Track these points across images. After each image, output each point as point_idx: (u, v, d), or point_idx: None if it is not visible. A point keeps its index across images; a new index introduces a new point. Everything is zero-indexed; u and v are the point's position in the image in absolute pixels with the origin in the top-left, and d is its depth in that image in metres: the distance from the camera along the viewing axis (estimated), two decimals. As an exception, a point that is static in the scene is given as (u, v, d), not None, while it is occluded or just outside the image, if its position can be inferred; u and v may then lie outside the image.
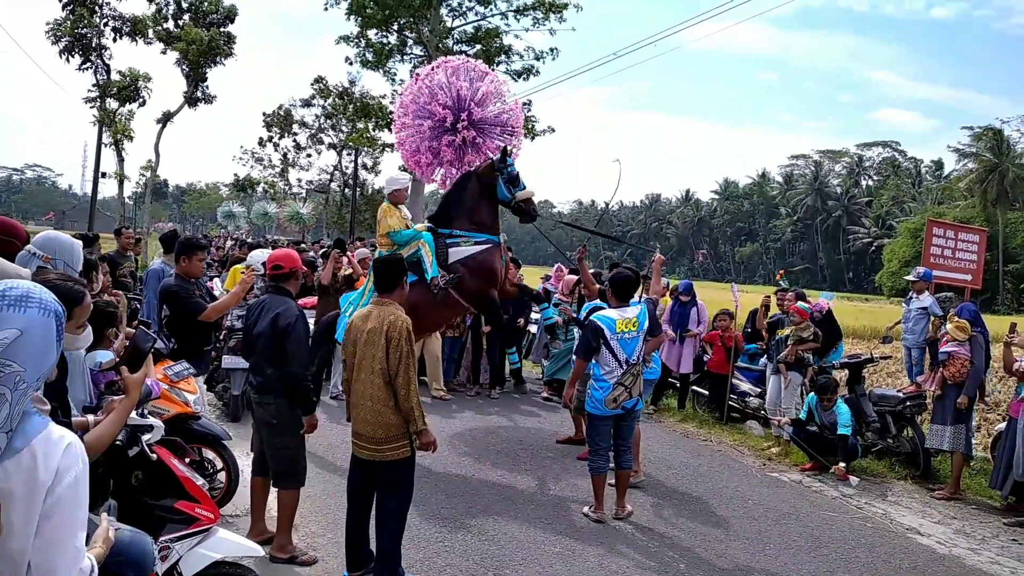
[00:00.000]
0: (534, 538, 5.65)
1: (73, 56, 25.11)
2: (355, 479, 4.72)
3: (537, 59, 25.68)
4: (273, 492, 5.15)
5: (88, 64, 25.50)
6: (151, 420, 3.40)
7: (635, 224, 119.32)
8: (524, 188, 7.72)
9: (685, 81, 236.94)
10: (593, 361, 6.11)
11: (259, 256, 9.01)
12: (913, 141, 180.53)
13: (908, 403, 8.30)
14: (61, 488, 1.73)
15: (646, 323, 6.16)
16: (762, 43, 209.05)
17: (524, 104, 25.20)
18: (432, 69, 8.52)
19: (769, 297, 10.11)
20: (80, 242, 3.72)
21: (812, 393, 8.34)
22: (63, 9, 25.32)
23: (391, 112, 27.08)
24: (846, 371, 9.30)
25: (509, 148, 7.88)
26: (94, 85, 25.94)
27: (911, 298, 10.39)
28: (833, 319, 9.80)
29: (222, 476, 5.54)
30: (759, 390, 9.99)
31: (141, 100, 25.91)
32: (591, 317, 6.30)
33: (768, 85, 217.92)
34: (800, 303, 9.39)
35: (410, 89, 8.64)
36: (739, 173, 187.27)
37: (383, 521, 4.56)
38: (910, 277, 10.55)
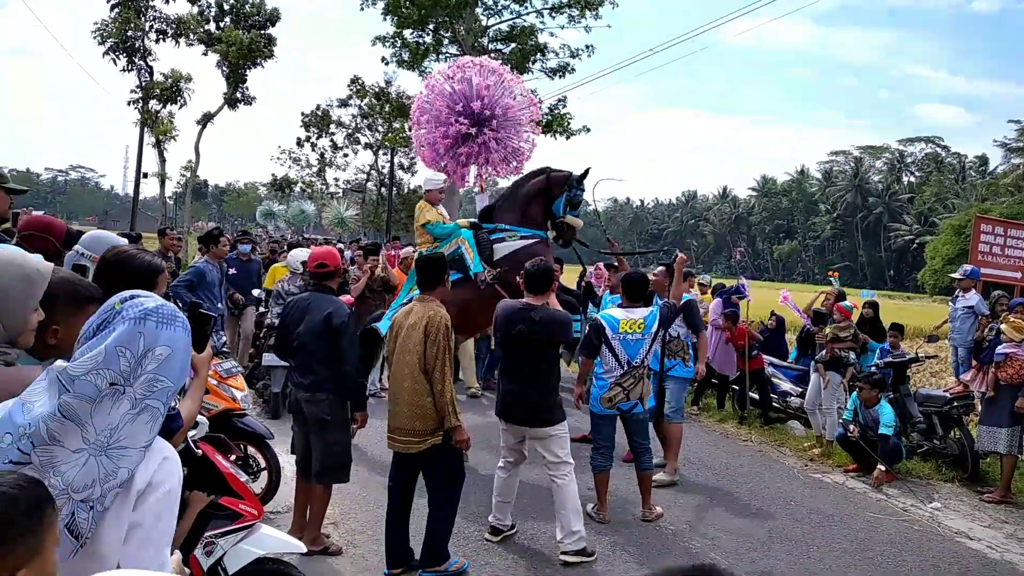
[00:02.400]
0: (574, 537, 5.61)
1: (118, 57, 25.55)
2: (394, 475, 4.89)
3: (572, 57, 25.59)
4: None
5: (132, 66, 25.93)
6: (196, 417, 3.42)
7: (671, 222, 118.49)
8: (577, 215, 7.72)
9: (722, 78, 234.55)
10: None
11: (298, 255, 9.08)
12: (955, 137, 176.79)
13: (955, 403, 8.11)
14: (153, 499, 1.77)
15: (654, 326, 5.96)
16: (799, 39, 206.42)
17: (559, 101, 25.19)
18: (439, 72, 8.57)
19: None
20: (126, 241, 3.76)
21: (855, 392, 8.18)
22: (111, 10, 25.79)
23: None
24: (890, 371, 9.11)
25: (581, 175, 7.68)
26: (137, 86, 26.38)
27: (957, 296, 10.17)
28: (878, 321, 9.67)
29: (264, 475, 5.59)
30: (800, 390, 9.84)
31: (182, 101, 26.29)
32: (595, 315, 6.49)
33: (805, 81, 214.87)
34: (844, 303, 9.25)
35: (426, 86, 8.69)
36: (777, 170, 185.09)
37: (432, 513, 4.80)
38: (956, 275, 10.33)
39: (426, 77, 8.91)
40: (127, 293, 1.83)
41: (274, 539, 3.47)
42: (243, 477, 3.45)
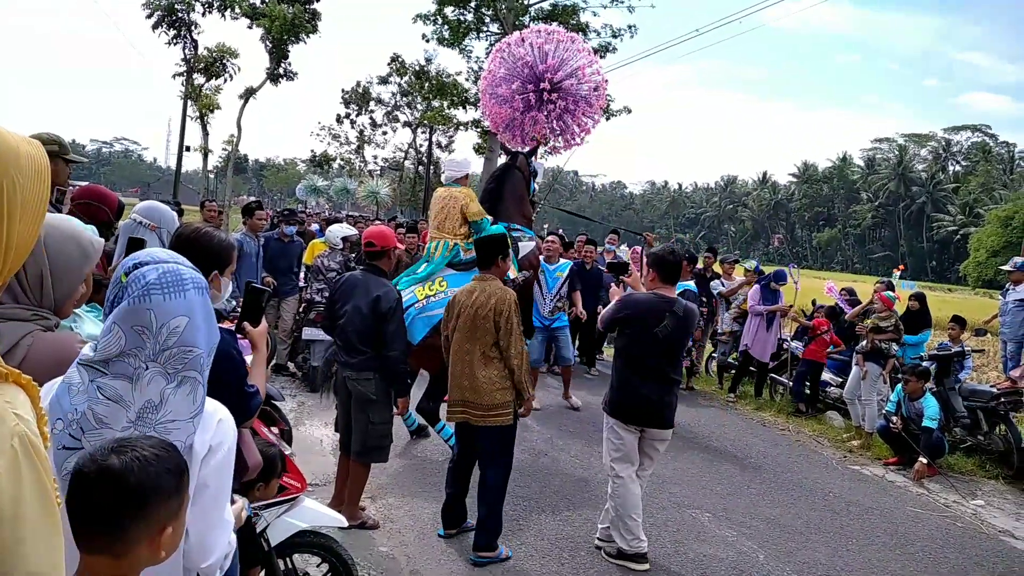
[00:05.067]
0: (609, 521, 5.59)
1: (165, 31, 25.73)
2: (458, 441, 5.02)
3: (614, 36, 25.32)
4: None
5: (178, 39, 26.11)
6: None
7: (709, 206, 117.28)
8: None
9: (764, 61, 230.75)
10: None
11: (338, 231, 9.11)
12: (1004, 126, 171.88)
13: (1003, 399, 7.92)
14: (215, 460, 1.79)
15: None
16: (843, 23, 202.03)
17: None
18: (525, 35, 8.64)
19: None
20: (176, 213, 3.80)
21: (899, 385, 8.04)
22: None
23: (466, 90, 27.14)
24: (935, 364, 8.92)
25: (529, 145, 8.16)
26: (182, 60, 26.58)
27: (1008, 289, 9.93)
28: (927, 308, 9.54)
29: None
30: (840, 380, 9.69)
31: (227, 76, 26.43)
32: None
33: (849, 66, 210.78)
34: (887, 292, 9.07)
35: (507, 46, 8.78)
36: (819, 156, 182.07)
37: (483, 491, 4.80)
38: (1007, 267, 10.08)
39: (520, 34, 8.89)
40: (130, 261, 1.77)
41: (317, 512, 3.49)
42: (287, 450, 3.47)
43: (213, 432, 1.82)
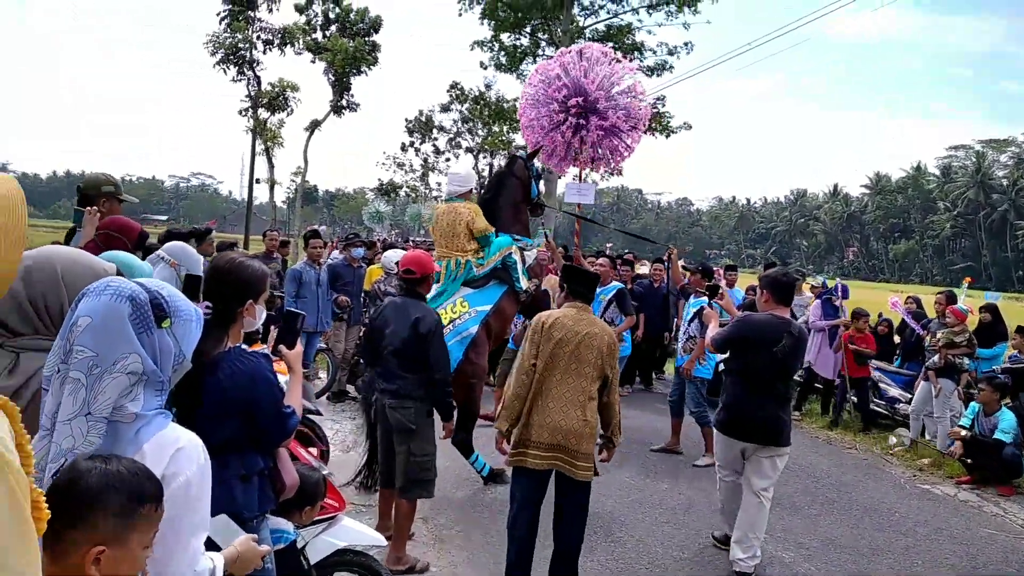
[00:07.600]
0: (662, 542, 5.50)
1: (227, 68, 26.69)
2: (530, 499, 4.35)
3: (670, 54, 25.21)
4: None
5: (241, 75, 27.06)
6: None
7: (779, 221, 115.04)
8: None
9: (827, 71, 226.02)
10: None
11: (392, 257, 9.25)
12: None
13: (1085, 414, 7.52)
14: (168, 492, 1.67)
15: None
16: (908, 29, 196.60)
17: (658, 99, 24.80)
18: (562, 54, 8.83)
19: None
20: (202, 258, 3.83)
21: (973, 402, 7.70)
22: (220, 23, 27.00)
23: (525, 114, 27.39)
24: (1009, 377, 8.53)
25: (527, 152, 7.86)
26: (246, 96, 27.52)
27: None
28: (1000, 319, 9.15)
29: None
30: (908, 396, 9.35)
31: (289, 109, 27.26)
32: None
33: (917, 73, 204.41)
34: (958, 305, 8.74)
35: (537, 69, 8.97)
36: (891, 166, 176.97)
37: (570, 554, 4.42)
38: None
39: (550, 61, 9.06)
40: None
41: (356, 532, 3.53)
42: (325, 470, 3.53)
43: (167, 463, 1.77)
